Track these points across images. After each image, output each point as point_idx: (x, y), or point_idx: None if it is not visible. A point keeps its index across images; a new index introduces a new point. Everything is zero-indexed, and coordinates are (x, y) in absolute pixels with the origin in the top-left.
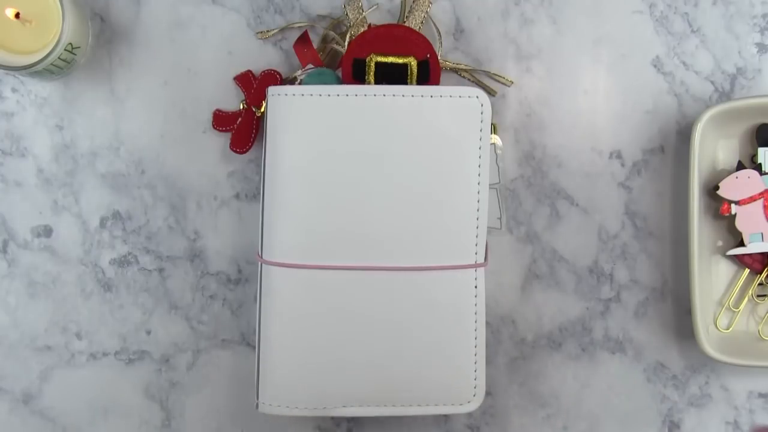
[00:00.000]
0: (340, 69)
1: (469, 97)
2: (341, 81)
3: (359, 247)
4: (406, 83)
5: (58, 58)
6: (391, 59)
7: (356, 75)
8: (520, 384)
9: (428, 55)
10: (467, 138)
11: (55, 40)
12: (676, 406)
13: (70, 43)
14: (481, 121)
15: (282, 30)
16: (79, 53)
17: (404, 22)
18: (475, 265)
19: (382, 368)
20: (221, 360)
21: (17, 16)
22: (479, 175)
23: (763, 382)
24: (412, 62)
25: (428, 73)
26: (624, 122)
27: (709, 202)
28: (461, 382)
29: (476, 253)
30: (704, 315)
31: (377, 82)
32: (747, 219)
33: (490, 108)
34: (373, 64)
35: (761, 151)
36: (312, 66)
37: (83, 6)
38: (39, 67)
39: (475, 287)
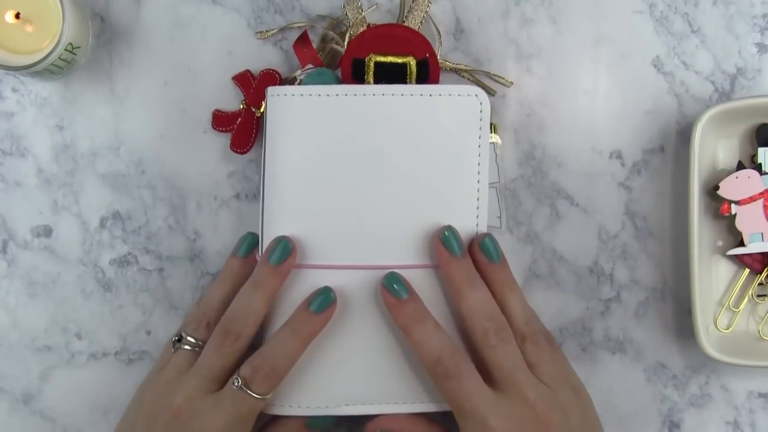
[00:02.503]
0: (339, 69)
1: (468, 95)
2: (341, 81)
3: (359, 246)
4: (405, 83)
5: (59, 58)
6: (390, 59)
7: (355, 75)
8: None
9: (427, 55)
10: (467, 136)
11: (56, 40)
12: (676, 406)
13: (71, 43)
14: (481, 120)
15: (282, 30)
16: (79, 53)
17: (404, 21)
18: None
19: (384, 367)
20: None
21: (17, 16)
22: (479, 173)
23: (763, 382)
24: (411, 62)
25: (427, 73)
26: (624, 122)
27: (709, 202)
28: None
29: None
30: (704, 315)
31: (377, 81)
32: (747, 219)
33: (489, 106)
34: (372, 64)
35: (761, 151)
36: (311, 66)
37: (83, 6)
38: (39, 67)
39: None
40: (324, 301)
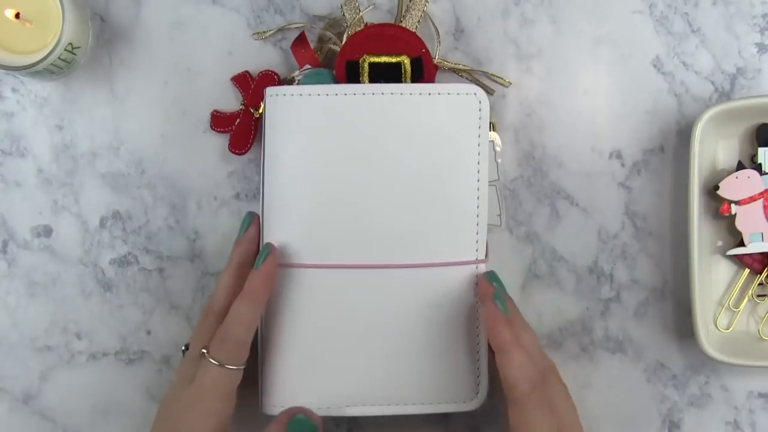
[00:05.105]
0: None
1: (466, 94)
2: (338, 81)
3: (360, 245)
4: (401, 82)
5: (59, 58)
6: (383, 59)
7: (350, 77)
8: None
9: (423, 50)
10: (465, 134)
11: (55, 40)
12: (676, 406)
13: (70, 43)
14: (479, 118)
15: (280, 30)
16: (79, 53)
17: (401, 21)
18: (476, 261)
19: (385, 366)
20: None
21: (17, 16)
22: (478, 171)
23: (763, 382)
24: (405, 60)
25: (422, 70)
26: (624, 122)
27: (709, 202)
28: (464, 379)
29: (477, 250)
30: (704, 315)
31: (372, 82)
32: (747, 219)
33: (488, 104)
34: (366, 65)
35: (761, 151)
36: (309, 66)
37: (83, 6)
38: (39, 67)
39: (477, 284)
40: (262, 254)
